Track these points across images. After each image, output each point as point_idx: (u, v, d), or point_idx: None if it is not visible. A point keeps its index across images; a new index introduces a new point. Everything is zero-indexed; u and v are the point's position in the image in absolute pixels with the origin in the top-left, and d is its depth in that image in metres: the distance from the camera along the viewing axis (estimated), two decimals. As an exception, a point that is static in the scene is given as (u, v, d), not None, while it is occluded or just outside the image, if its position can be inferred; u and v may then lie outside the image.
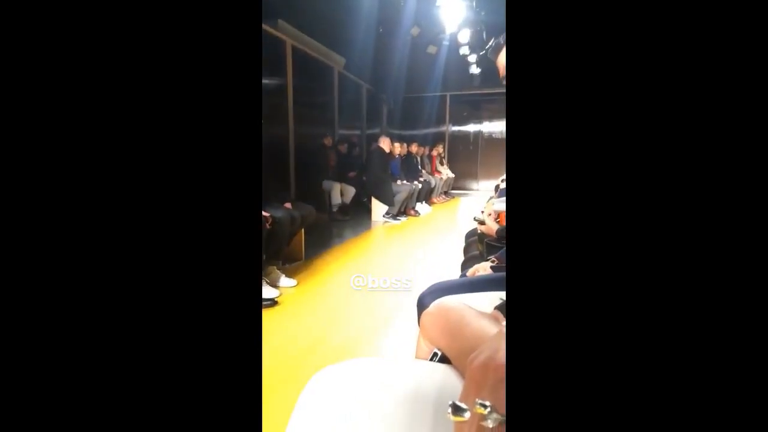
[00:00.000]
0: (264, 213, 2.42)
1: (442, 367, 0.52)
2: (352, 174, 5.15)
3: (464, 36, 5.70)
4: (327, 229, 4.26)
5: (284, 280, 2.57)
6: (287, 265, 2.66)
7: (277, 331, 1.96)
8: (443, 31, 5.80)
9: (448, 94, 8.19)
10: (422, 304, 0.93)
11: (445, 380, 0.49)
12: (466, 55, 6.47)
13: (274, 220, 2.50)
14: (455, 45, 6.19)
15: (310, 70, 4.80)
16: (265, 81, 3.90)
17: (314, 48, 4.90)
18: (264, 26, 4.25)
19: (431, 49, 6.78)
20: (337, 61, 5.70)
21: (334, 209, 4.94)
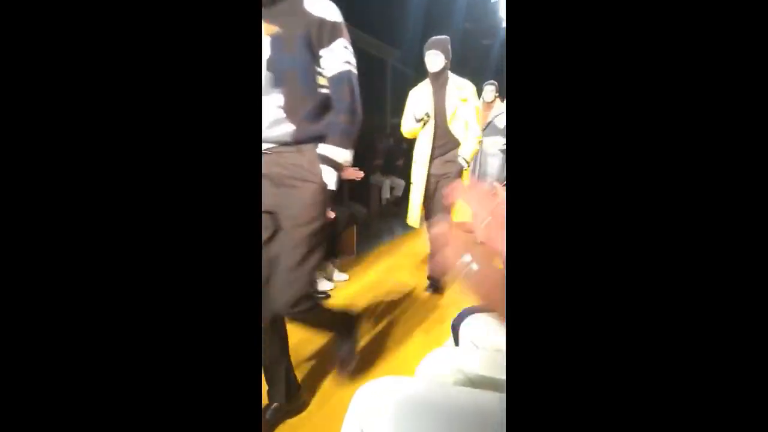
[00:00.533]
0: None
1: (483, 393, 0.59)
2: (400, 162, 5.24)
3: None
4: (377, 225, 4.35)
5: (337, 275, 2.73)
6: (338, 260, 2.82)
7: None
8: (498, 24, 5.68)
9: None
10: (456, 328, 1.01)
11: (483, 406, 0.56)
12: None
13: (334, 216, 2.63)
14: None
15: (363, 65, 4.89)
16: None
17: (367, 43, 4.97)
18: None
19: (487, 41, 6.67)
20: (390, 53, 5.74)
21: (383, 203, 5.05)
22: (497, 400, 0.56)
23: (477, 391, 0.60)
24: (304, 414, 1.38)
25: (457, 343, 0.99)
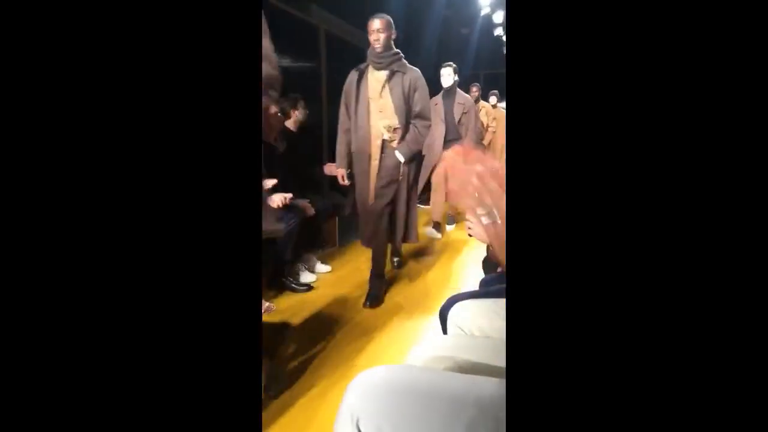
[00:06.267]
0: (306, 201, 2.53)
1: (479, 378, 0.60)
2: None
3: (498, 17, 5.66)
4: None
5: (320, 266, 2.71)
6: (321, 251, 2.80)
7: (312, 316, 2.10)
8: (477, 13, 5.72)
9: (481, 73, 8.03)
10: (443, 316, 1.02)
11: (481, 392, 0.56)
12: (500, 36, 6.42)
13: (316, 208, 2.61)
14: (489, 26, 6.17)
15: (343, 54, 4.81)
16: (299, 65, 3.97)
17: (347, 31, 4.90)
18: (297, 13, 4.29)
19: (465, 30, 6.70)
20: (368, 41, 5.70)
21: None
22: (493, 385, 0.56)
23: (473, 376, 0.60)
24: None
25: (445, 331, 1.00)
